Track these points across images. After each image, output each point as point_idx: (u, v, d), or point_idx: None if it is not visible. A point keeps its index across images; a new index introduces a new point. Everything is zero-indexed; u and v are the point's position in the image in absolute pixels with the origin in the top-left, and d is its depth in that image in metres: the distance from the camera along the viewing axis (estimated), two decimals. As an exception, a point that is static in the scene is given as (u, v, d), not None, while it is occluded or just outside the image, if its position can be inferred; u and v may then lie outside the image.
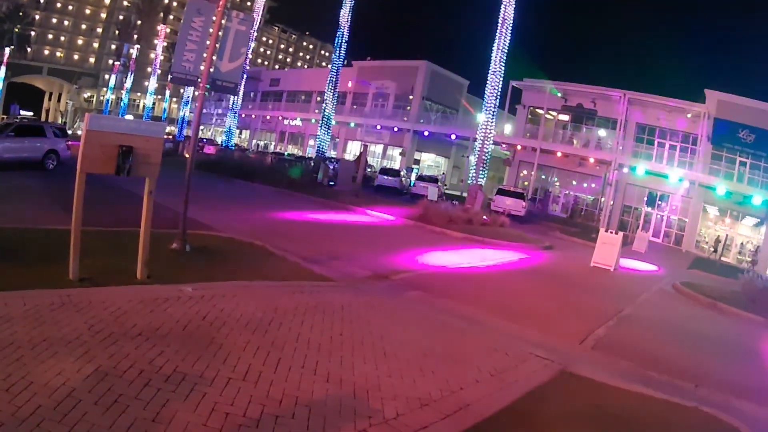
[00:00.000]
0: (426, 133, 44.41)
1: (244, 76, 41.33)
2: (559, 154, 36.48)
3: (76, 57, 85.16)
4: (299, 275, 8.00)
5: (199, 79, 8.39)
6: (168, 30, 64.99)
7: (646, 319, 10.11)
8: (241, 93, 44.94)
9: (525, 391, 5.04)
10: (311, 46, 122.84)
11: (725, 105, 32.17)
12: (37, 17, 77.25)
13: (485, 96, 27.48)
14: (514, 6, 26.00)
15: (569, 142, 38.37)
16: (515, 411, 4.58)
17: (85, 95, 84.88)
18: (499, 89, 27.52)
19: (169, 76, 8.82)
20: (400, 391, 4.45)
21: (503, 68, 26.81)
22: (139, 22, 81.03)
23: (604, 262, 15.75)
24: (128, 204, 9.38)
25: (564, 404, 4.96)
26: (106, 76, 76.71)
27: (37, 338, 4.11)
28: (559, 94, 37.98)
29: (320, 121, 36.02)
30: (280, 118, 57.54)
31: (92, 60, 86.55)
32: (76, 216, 5.72)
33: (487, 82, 27.13)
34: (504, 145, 40.57)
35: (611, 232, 16.72)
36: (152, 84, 58.80)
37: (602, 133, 37.80)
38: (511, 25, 26.20)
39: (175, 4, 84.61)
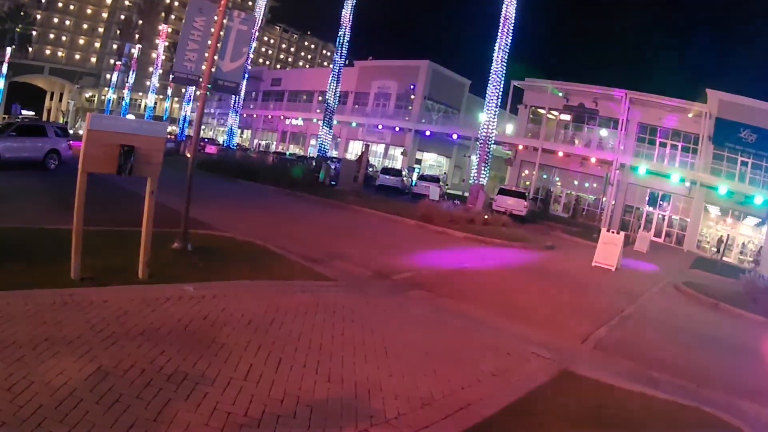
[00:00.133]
0: (428, 133, 44.38)
1: (246, 75, 41.32)
2: (560, 153, 36.46)
3: (77, 56, 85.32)
4: (300, 275, 7.99)
5: (201, 79, 8.40)
6: (169, 29, 65.06)
7: (647, 318, 10.09)
8: (242, 93, 44.99)
9: (526, 391, 5.04)
10: (313, 46, 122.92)
11: (727, 105, 32.10)
12: (38, 17, 77.35)
13: (487, 95, 27.45)
14: (515, 5, 25.98)
15: (571, 142, 38.34)
16: (517, 410, 4.58)
17: (87, 95, 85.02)
18: (501, 89, 27.48)
19: (171, 76, 8.84)
20: (401, 390, 4.45)
21: (505, 68, 26.77)
22: (140, 21, 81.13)
23: (605, 262, 15.74)
24: (130, 204, 9.38)
25: (565, 404, 4.95)
26: (108, 76, 76.83)
27: (38, 338, 4.11)
28: (561, 94, 37.95)
29: (322, 120, 36.05)
30: (282, 117, 57.59)
31: (94, 59, 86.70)
32: (77, 215, 5.73)
33: (489, 81, 27.10)
34: (506, 145, 40.57)
35: (613, 232, 16.71)
36: (154, 83, 58.83)
37: (604, 132, 37.76)
38: (512, 24, 26.16)
39: (176, 3, 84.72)
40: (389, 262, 10.60)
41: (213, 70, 8.40)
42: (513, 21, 26.09)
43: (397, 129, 46.82)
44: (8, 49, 58.77)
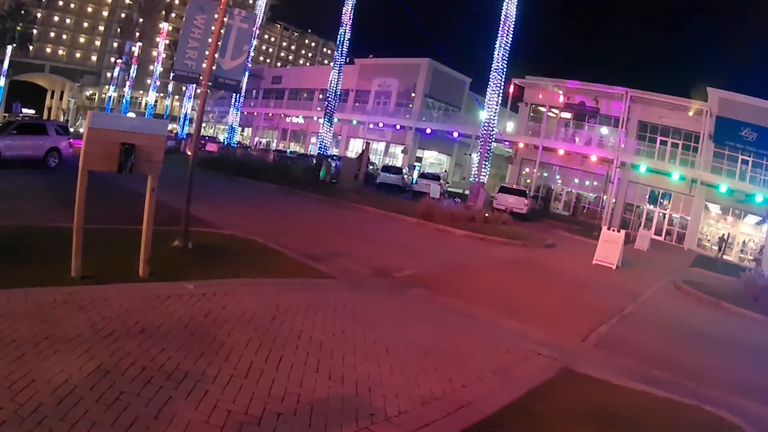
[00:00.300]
0: (428, 131, 44.34)
1: (246, 73, 41.27)
2: (561, 151, 36.41)
3: (78, 55, 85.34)
4: (301, 272, 7.99)
5: (201, 77, 8.39)
6: (170, 28, 65.00)
7: (648, 317, 10.09)
8: (243, 91, 44.95)
9: (527, 389, 5.04)
10: (313, 44, 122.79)
11: (727, 103, 32.04)
12: (39, 15, 77.42)
13: (487, 94, 27.42)
14: (516, 3, 25.95)
15: (571, 140, 38.25)
16: (517, 409, 4.58)
17: (87, 93, 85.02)
18: (502, 87, 27.47)
19: (172, 74, 8.84)
20: (402, 388, 4.44)
21: (505, 66, 26.76)
22: (141, 19, 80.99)
23: (606, 260, 15.74)
24: (130, 202, 9.38)
25: (566, 402, 4.95)
26: (108, 74, 76.84)
27: (39, 336, 4.11)
28: (561, 92, 37.90)
29: (322, 118, 36.03)
30: (282, 115, 57.59)
31: (94, 58, 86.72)
32: (78, 213, 5.72)
33: (490, 79, 27.08)
34: (506, 143, 40.53)
35: (613, 230, 16.69)
36: (154, 81, 58.81)
37: (604, 130, 37.69)
38: (513, 22, 26.14)
39: (177, 1, 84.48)
40: (390, 260, 10.59)
41: (214, 68, 8.39)
42: (514, 19, 26.08)
43: (397, 127, 46.80)
44: (9, 48, 58.74)
